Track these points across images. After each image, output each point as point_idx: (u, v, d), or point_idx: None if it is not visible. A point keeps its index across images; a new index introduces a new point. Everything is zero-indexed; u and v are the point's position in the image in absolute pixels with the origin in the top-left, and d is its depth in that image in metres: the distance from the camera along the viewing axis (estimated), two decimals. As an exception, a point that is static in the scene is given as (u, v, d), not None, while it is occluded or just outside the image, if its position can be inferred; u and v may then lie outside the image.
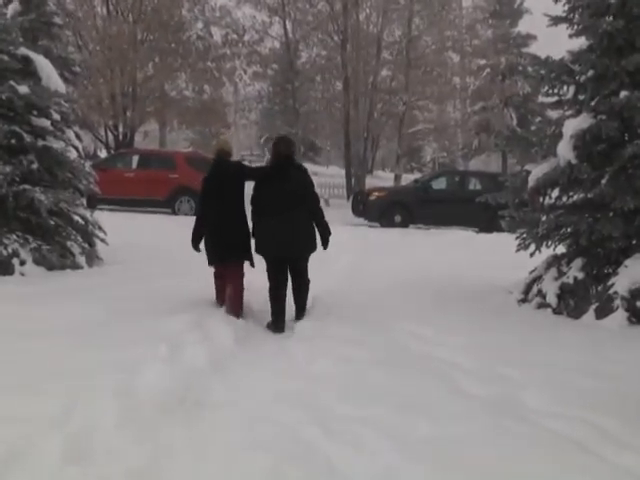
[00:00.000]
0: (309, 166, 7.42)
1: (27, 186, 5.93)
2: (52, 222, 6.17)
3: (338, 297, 5.46)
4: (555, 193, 5.45)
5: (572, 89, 5.31)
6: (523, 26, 27.25)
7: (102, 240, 6.75)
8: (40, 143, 6.22)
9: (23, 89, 6.03)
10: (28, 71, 6.40)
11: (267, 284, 4.58)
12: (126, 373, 2.86)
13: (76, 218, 6.54)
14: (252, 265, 4.67)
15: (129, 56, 17.74)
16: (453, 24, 22.97)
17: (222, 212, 4.56)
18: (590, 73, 5.12)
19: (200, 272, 6.11)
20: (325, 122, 25.84)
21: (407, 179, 20.20)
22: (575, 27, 5.27)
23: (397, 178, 21.80)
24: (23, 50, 6.47)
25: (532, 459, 2.34)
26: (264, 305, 4.69)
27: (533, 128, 6.26)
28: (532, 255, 5.50)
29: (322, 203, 4.97)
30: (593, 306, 4.78)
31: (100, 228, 6.79)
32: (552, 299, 5.07)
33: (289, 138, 5.07)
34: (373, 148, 25.81)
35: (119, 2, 18.72)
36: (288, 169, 4.53)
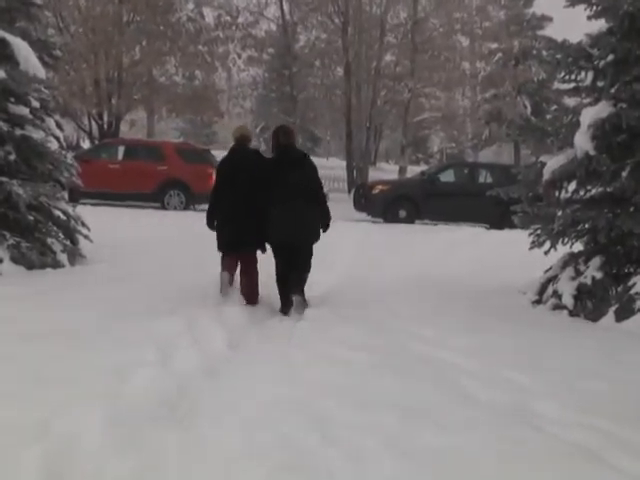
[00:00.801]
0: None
1: (4, 179, 5.92)
2: (31, 217, 6.17)
3: (338, 297, 5.48)
4: (572, 186, 5.46)
5: (590, 75, 5.31)
6: (538, 7, 27.29)
7: (85, 237, 6.74)
8: (18, 132, 6.21)
9: (-1, 74, 6.02)
10: (4, 55, 6.37)
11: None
12: (114, 379, 2.87)
13: (57, 213, 6.53)
14: (263, 251, 5.06)
15: (114, 39, 17.73)
16: (462, 5, 22.93)
17: (236, 200, 4.90)
18: (610, 58, 5.11)
19: (190, 270, 6.14)
20: (325, 110, 25.83)
21: (413, 171, 20.22)
22: (594, 8, 5.27)
23: (402, 170, 21.84)
24: (-1, 32, 6.45)
25: (544, 470, 2.35)
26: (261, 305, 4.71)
27: (548, 117, 6.27)
28: (547, 253, 5.51)
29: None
30: (612, 308, 4.80)
31: (83, 224, 6.78)
32: (568, 300, 5.08)
33: (287, 127, 5.39)
34: (376, 138, 25.85)
35: (103, -20, 18.70)
36: (289, 159, 4.90)
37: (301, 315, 4.70)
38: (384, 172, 24.72)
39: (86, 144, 20.42)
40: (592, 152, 4.91)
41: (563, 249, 5.58)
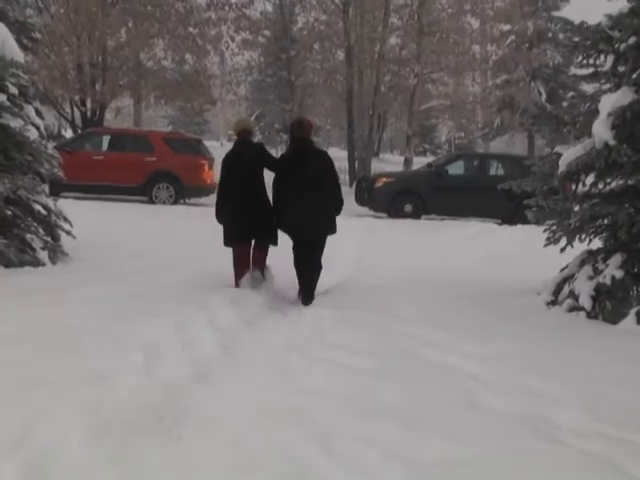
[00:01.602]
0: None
1: (-20, 170, 5.91)
2: (9, 212, 6.16)
3: (339, 297, 5.49)
4: (590, 179, 5.45)
5: (610, 59, 5.30)
6: (554, -14, 27.20)
7: (67, 233, 6.73)
8: (-5, 121, 6.19)
9: (-26, 58, 5.99)
10: (-20, 37, 6.35)
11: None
12: (96, 386, 2.86)
13: (37, 207, 6.52)
14: (275, 244, 5.55)
15: (98, 20, 17.65)
16: (473, -17, 22.92)
17: (242, 195, 5.33)
18: (632, 40, 5.10)
19: (180, 269, 6.14)
20: (325, 97, 25.88)
21: (419, 163, 20.23)
22: (614, -13, 5.26)
23: (407, 162, 21.83)
24: (-26, 13, 6.44)
25: (562, 484, 2.35)
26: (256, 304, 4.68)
27: (565, 104, 6.27)
28: (563, 250, 5.51)
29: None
30: (634, 309, 4.80)
31: (65, 219, 6.77)
32: (586, 301, 5.08)
33: (301, 120, 5.76)
34: (380, 127, 25.86)
35: (86, -43, 18.62)
36: (305, 155, 5.32)
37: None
38: (388, 164, 24.77)
39: (68, 133, 20.38)
40: (612, 142, 4.90)
41: (580, 246, 5.57)
